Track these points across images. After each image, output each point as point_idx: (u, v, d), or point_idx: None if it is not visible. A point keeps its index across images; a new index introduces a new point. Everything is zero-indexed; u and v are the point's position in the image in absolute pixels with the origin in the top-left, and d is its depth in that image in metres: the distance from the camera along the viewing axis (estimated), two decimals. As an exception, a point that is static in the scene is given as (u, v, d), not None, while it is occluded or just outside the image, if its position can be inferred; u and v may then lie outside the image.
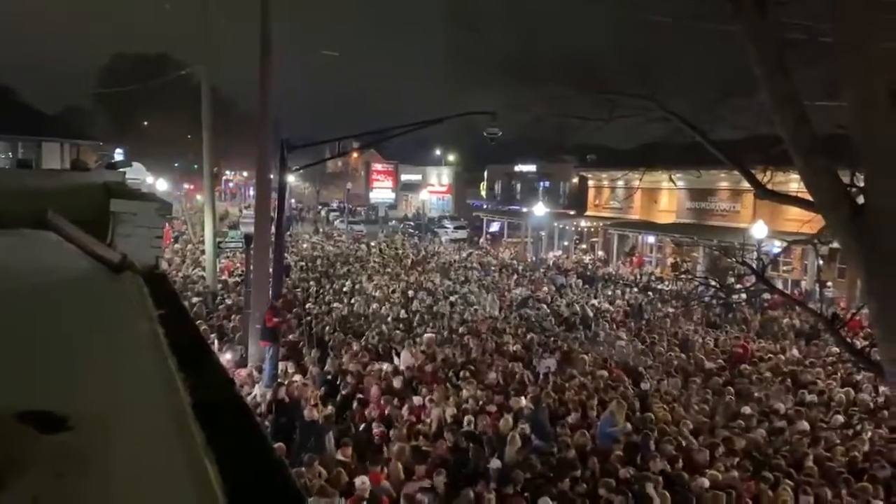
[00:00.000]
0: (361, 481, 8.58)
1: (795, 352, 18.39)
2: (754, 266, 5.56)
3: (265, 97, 16.11)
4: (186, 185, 65.51)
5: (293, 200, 61.84)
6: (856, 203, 2.91)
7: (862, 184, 2.93)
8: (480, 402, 12.11)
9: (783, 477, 9.81)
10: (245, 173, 76.00)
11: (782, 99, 2.95)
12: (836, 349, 15.82)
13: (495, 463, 9.88)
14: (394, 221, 61.68)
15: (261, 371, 14.14)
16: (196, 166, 46.50)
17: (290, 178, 44.48)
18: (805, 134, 2.95)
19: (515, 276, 30.83)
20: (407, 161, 72.86)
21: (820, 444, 11.27)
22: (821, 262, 18.99)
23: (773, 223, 25.15)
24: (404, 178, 74.54)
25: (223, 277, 25.52)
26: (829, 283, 26.67)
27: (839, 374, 15.70)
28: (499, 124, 17.01)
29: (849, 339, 7.49)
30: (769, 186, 4.81)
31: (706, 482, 9.52)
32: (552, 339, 17.98)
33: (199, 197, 51.84)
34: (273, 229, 17.12)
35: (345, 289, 23.78)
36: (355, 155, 62.58)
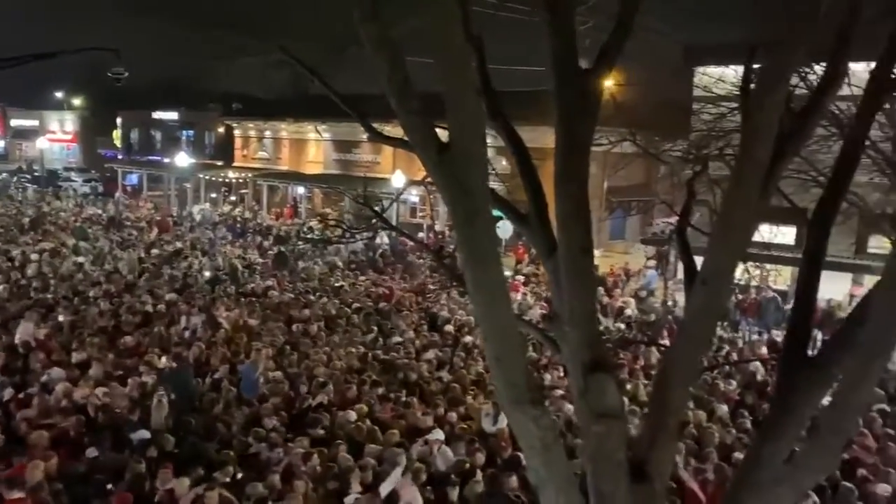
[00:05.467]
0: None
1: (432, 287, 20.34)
2: (377, 209, 5.96)
3: None
4: None
5: None
6: (442, 142, 3.23)
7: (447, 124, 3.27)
8: (111, 370, 11.20)
9: (416, 399, 10.92)
10: None
11: (377, 43, 3.13)
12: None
13: (142, 433, 9.28)
14: (4, 174, 52.63)
15: None
16: None
17: None
18: (398, 77, 3.17)
19: (157, 232, 28.79)
20: (18, 104, 62.49)
21: (445, 367, 12.78)
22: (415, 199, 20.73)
23: (409, 172, 27.27)
24: (16, 123, 63.97)
25: None
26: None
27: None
28: (134, 67, 15.43)
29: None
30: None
31: (353, 415, 10.15)
32: (199, 295, 17.26)
33: None
34: None
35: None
36: (-55, 94, 51.61)
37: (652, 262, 23.03)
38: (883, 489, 8.47)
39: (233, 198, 43.30)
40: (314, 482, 8.18)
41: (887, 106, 11.53)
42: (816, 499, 7.91)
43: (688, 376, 3.82)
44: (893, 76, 4.19)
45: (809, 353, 3.89)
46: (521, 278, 21.96)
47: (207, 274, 20.32)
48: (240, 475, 8.23)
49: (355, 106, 4.73)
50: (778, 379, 3.87)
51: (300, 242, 25.86)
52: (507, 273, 22.54)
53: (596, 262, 18.92)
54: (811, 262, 4.03)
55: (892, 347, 3.16)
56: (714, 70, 14.83)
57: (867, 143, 12.31)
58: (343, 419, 10.04)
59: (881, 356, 3.25)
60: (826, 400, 3.71)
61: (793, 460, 3.50)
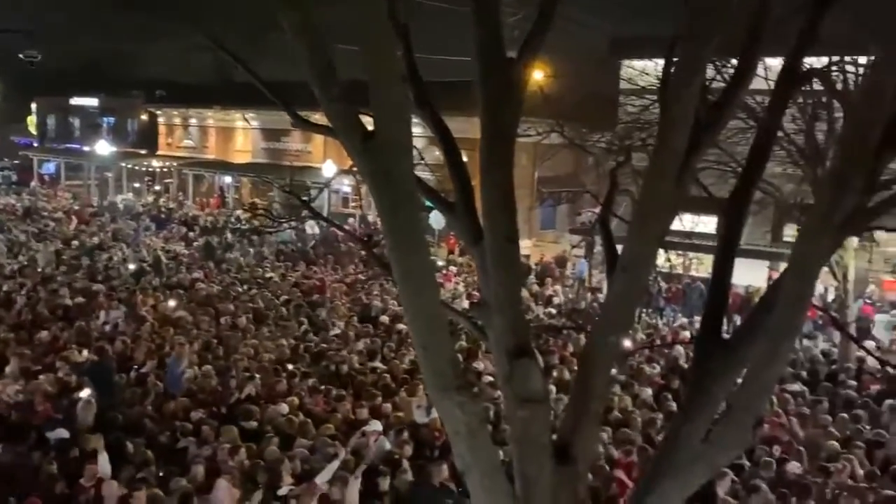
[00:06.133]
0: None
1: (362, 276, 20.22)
2: (305, 198, 5.87)
3: None
4: None
5: None
6: (367, 129, 3.20)
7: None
8: (29, 366, 10.74)
9: (347, 392, 10.85)
10: None
11: (297, 30, 3.08)
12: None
13: (60, 432, 8.93)
14: None
15: None
16: None
17: None
18: (320, 63, 3.13)
19: (77, 222, 27.64)
20: (-80, 88, 58.62)
21: (377, 357, 12.74)
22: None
23: (340, 161, 26.96)
24: (-81, 108, 59.93)
25: None
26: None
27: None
28: (49, 50, 14.71)
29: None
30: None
31: (285, 408, 10.02)
32: (121, 288, 16.68)
33: None
34: None
35: None
36: None
37: (577, 251, 23.42)
38: (793, 466, 8.91)
39: (157, 187, 41.91)
40: (243, 476, 8.05)
41: (800, 100, 12.17)
42: (733, 475, 8.27)
43: (609, 360, 3.92)
44: (802, 71, 4.38)
45: (725, 336, 4.04)
46: (454, 269, 22.06)
47: (131, 266, 19.66)
48: (161, 473, 8.03)
49: (282, 93, 4.63)
50: (694, 361, 4.02)
51: (228, 233, 25.30)
52: (440, 263, 22.67)
53: (527, 251, 19.25)
54: (726, 249, 4.18)
55: (799, 330, 3.33)
56: (639, 63, 15.30)
57: (783, 136, 13.01)
58: (274, 412, 9.91)
59: (788, 338, 3.42)
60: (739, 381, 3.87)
61: (708, 439, 3.64)
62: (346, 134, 3.27)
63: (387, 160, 3.18)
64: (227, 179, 38.89)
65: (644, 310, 19.27)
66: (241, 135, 38.89)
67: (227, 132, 39.83)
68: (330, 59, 3.22)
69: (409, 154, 3.25)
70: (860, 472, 8.85)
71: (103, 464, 8.04)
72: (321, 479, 7.93)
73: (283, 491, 7.90)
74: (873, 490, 8.22)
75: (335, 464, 8.21)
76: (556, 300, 19.28)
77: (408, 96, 3.71)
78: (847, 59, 9.34)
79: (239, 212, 32.02)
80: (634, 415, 10.33)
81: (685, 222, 13.06)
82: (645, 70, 11.42)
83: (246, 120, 37.09)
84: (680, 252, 21.44)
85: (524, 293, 19.06)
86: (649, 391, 11.66)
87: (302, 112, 4.54)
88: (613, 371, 12.16)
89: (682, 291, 20.43)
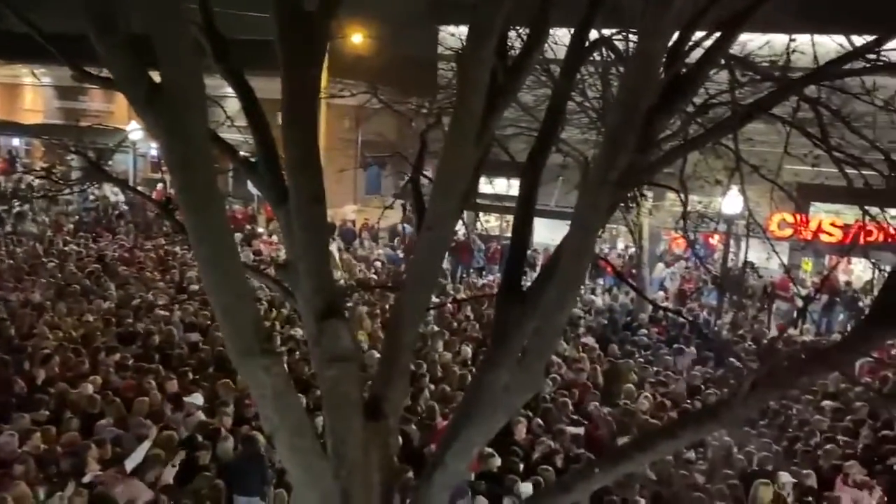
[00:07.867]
0: None
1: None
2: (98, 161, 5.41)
3: None
4: None
5: None
6: (154, 82, 3.00)
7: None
8: None
9: (167, 369, 10.30)
10: None
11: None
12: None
13: None
14: None
15: None
16: None
17: None
18: (97, 5, 2.88)
19: None
20: None
21: (194, 329, 12.21)
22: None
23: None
24: None
25: None
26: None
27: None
28: None
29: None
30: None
31: (90, 388, 9.36)
32: None
33: None
34: None
35: None
36: None
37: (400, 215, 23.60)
38: (593, 406, 9.83)
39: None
40: (39, 465, 7.41)
41: (601, 70, 13.04)
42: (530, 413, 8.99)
43: (417, 316, 4.04)
44: (590, 40, 4.69)
45: (524, 289, 4.29)
46: (275, 238, 21.46)
47: None
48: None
49: (72, 46, 4.19)
50: (496, 313, 4.24)
51: (15, 201, 22.73)
52: (260, 230, 22.01)
53: (352, 215, 19.12)
54: (524, 207, 4.42)
55: (582, 280, 3.63)
56: (455, 28, 15.59)
57: (585, 103, 13.84)
58: (75, 394, 9.20)
59: (573, 287, 3.69)
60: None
61: (505, 385, 3.87)
62: (129, 86, 3.04)
63: (175, 114, 3.00)
64: (15, 142, 34.92)
65: (465, 270, 20.04)
66: (31, 92, 35.04)
67: (12, 89, 35.66)
68: (111, 4, 2.96)
69: (200, 108, 3.08)
70: (651, 406, 9.97)
71: None
72: (131, 463, 7.50)
73: (87, 478, 7.37)
74: (660, 419, 9.32)
75: (146, 444, 7.80)
76: (377, 263, 19.47)
77: (200, 48, 3.52)
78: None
79: (29, 177, 28.87)
80: (454, 370, 10.76)
81: (498, 186, 13.68)
82: (459, 35, 11.67)
83: (35, 76, 33.37)
84: (498, 215, 22.43)
85: (349, 257, 19.09)
86: (468, 349, 12.16)
87: (94, 69, 4.13)
88: (436, 328, 12.63)
89: (500, 252, 21.40)
